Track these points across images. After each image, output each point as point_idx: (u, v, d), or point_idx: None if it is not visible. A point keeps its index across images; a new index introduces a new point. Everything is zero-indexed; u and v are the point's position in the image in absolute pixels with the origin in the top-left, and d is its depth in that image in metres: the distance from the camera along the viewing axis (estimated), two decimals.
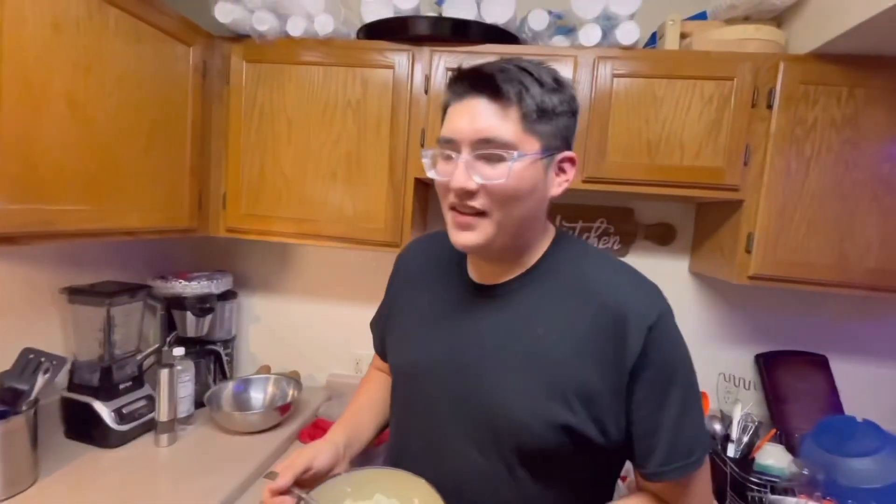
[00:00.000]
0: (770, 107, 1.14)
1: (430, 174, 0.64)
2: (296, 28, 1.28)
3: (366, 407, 0.83)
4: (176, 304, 1.42)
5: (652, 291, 0.64)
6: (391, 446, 0.78)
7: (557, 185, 0.64)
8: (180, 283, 1.40)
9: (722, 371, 1.49)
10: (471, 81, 0.60)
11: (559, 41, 1.27)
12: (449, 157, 0.61)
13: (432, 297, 0.73)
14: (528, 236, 0.66)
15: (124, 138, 1.08)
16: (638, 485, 0.67)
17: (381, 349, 0.86)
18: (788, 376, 1.44)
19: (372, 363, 0.94)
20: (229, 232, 1.38)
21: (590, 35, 1.19)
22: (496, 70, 0.59)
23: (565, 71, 1.18)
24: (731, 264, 1.22)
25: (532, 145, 0.59)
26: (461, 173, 0.59)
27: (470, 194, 0.59)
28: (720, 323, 1.51)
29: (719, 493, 1.17)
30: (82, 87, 0.97)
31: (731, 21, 1.25)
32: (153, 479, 1.07)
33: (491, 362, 0.63)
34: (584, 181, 1.21)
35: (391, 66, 1.26)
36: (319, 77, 1.29)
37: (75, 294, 1.18)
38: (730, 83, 1.14)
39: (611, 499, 0.68)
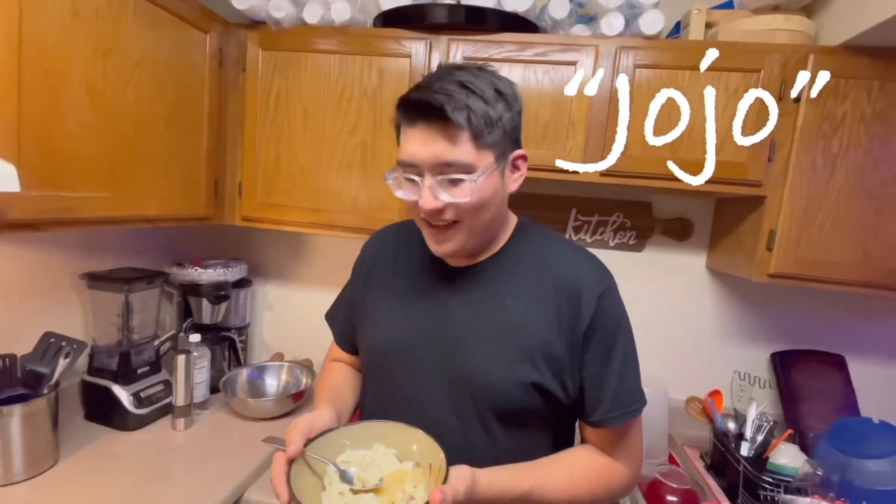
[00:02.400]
0: (798, 100, 1.11)
1: (399, 195, 0.70)
2: (312, 15, 1.27)
3: (342, 387, 0.84)
4: (192, 290, 1.43)
5: (601, 267, 0.74)
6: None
7: (514, 182, 0.72)
8: (196, 270, 1.41)
9: (737, 369, 1.47)
10: (421, 110, 0.64)
11: (580, 30, 1.24)
12: (412, 180, 0.67)
13: (406, 281, 0.79)
14: (495, 230, 0.75)
15: (142, 126, 1.09)
16: (583, 437, 0.77)
17: (345, 339, 0.90)
18: (804, 376, 1.42)
19: (328, 356, 0.95)
20: (245, 221, 1.38)
21: (612, 24, 1.16)
22: (444, 97, 0.61)
23: (587, 62, 1.16)
24: (750, 262, 1.20)
25: (486, 159, 0.65)
26: (428, 196, 0.65)
27: (439, 211, 0.66)
28: (736, 320, 1.49)
29: (731, 490, 1.17)
30: (101, 73, 0.97)
31: (759, 10, 1.21)
32: (170, 461, 1.09)
33: (466, 334, 0.71)
34: (603, 174, 1.19)
35: (408, 55, 1.24)
36: (335, 65, 1.28)
37: (94, 280, 1.20)
38: (756, 75, 1.11)
39: (571, 445, 0.78)
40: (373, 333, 0.80)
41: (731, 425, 1.28)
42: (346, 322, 0.88)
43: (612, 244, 1.51)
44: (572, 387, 0.70)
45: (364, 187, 1.30)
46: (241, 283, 1.57)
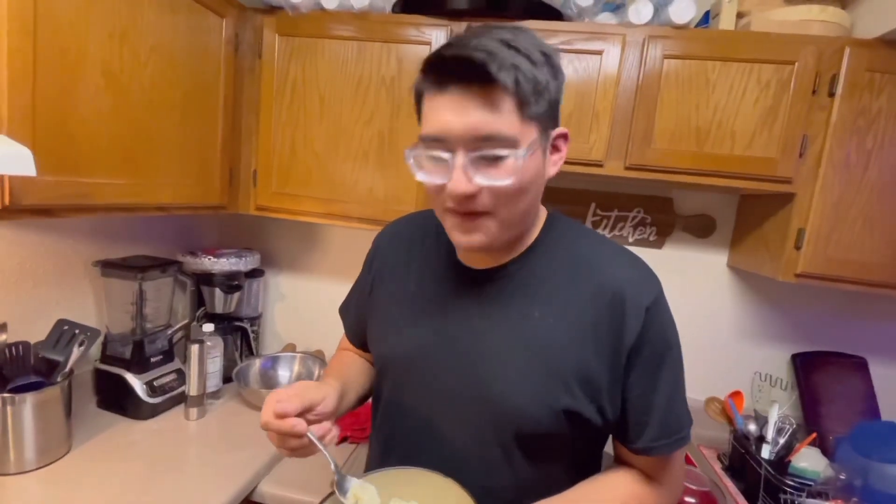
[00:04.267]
0: (832, 94, 1.07)
1: (419, 177, 0.58)
2: (330, 0, 1.24)
3: (352, 370, 0.80)
4: (205, 280, 1.42)
5: (647, 272, 0.63)
6: (380, 434, 0.75)
7: (553, 165, 0.62)
8: (209, 259, 1.40)
9: (757, 370, 1.45)
10: (457, 70, 0.51)
11: (606, 18, 1.20)
12: (438, 158, 0.56)
13: (420, 282, 0.70)
14: (529, 222, 0.64)
15: (158, 111, 1.06)
16: (618, 458, 0.68)
17: (356, 335, 0.83)
18: (825, 378, 1.39)
19: (339, 346, 0.90)
20: (259, 210, 1.36)
21: (641, 12, 1.12)
22: (485, 55, 0.50)
23: (613, 51, 1.12)
24: (776, 260, 1.17)
25: (531, 133, 0.55)
26: (460, 177, 0.54)
27: (471, 197, 0.55)
28: (757, 320, 1.46)
29: (750, 494, 1.15)
30: (117, 57, 0.95)
31: (792, 0, 1.17)
32: (184, 451, 1.08)
33: (488, 349, 0.62)
34: (627, 168, 1.15)
35: (427, 43, 1.21)
36: (353, 52, 1.25)
37: (108, 267, 1.19)
38: (790, 68, 1.07)
39: (598, 471, 0.69)
40: (382, 341, 0.73)
41: (752, 427, 1.25)
42: (357, 319, 0.82)
43: (631, 240, 1.48)
44: (611, 411, 0.61)
45: (380, 178, 1.27)
46: (254, 274, 1.56)
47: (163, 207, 1.13)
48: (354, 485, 0.58)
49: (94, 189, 0.93)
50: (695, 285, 1.48)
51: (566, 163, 1.14)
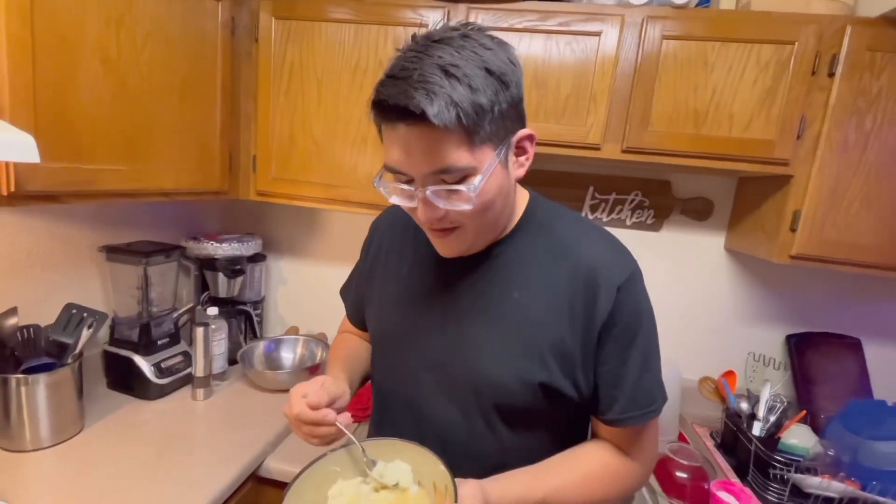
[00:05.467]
0: (832, 75, 1.06)
1: (393, 201, 0.61)
2: None
3: (353, 357, 0.85)
4: (208, 264, 1.44)
5: (623, 253, 0.66)
6: (376, 406, 0.81)
7: (520, 167, 0.63)
8: (212, 244, 1.42)
9: (751, 350, 1.47)
10: (398, 112, 0.52)
11: None
12: (404, 188, 0.59)
13: (411, 266, 0.74)
14: (505, 220, 0.67)
15: (156, 97, 1.07)
16: (594, 433, 0.73)
17: (355, 315, 0.89)
18: (819, 358, 1.41)
19: (340, 328, 0.96)
20: (260, 196, 1.38)
21: None
22: (423, 99, 0.50)
23: (611, 32, 1.11)
24: (772, 242, 1.18)
25: (486, 156, 0.56)
26: (424, 208, 0.58)
27: (440, 219, 0.60)
28: (753, 301, 1.48)
29: (741, 470, 1.18)
30: (114, 42, 0.95)
31: None
32: (192, 430, 1.12)
33: (470, 326, 0.66)
34: (624, 151, 1.16)
35: (425, 25, 1.20)
36: (350, 35, 1.24)
37: (113, 252, 1.21)
38: (790, 48, 1.06)
39: (583, 440, 0.74)
40: (377, 320, 0.78)
41: (744, 405, 1.28)
42: (357, 300, 0.87)
43: (629, 223, 1.49)
44: (585, 385, 0.65)
45: (379, 162, 1.28)
46: (256, 258, 1.58)
47: (165, 193, 1.15)
48: (379, 465, 0.64)
49: (97, 175, 0.95)
50: (692, 268, 1.49)
51: (566, 146, 1.17)
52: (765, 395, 1.24)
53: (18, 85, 0.79)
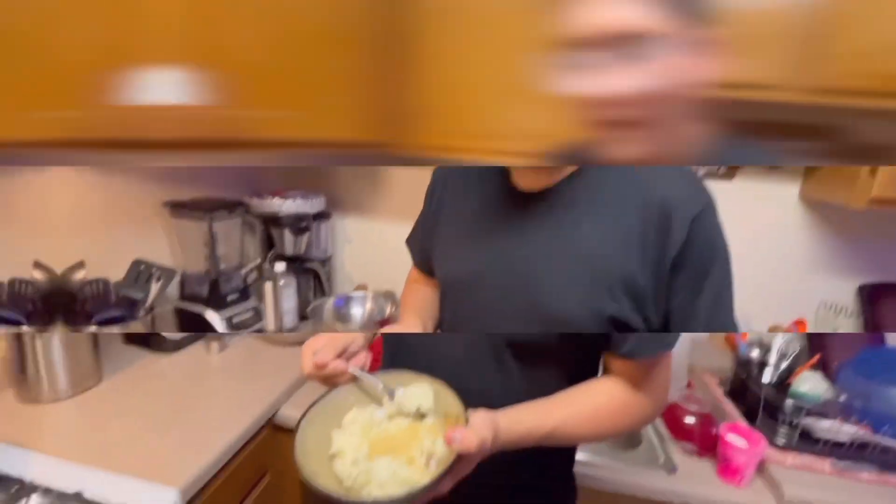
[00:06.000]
0: None
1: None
2: None
3: (424, 304, 0.84)
4: (273, 222, 1.40)
5: (697, 184, 0.63)
6: None
7: None
8: (276, 200, 1.37)
9: (823, 299, 1.34)
10: None
11: None
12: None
13: (478, 208, 0.73)
14: None
15: (317, 42, 0.98)
16: (606, 367, 0.70)
17: (423, 263, 0.87)
18: (892, 308, 1.26)
19: (408, 278, 0.93)
20: (425, 150, 1.25)
21: None
22: None
23: None
24: (850, 187, 1.03)
25: None
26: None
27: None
28: (826, 251, 1.34)
29: (750, 416, 1.10)
30: None
31: None
32: (209, 382, 1.09)
33: (538, 264, 0.65)
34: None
35: None
36: None
37: (177, 208, 1.19)
38: None
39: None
40: (444, 264, 0.77)
41: (755, 353, 1.22)
42: (424, 246, 0.85)
43: (701, 172, 1.31)
44: (656, 320, 0.63)
45: (537, 111, 1.11)
46: (321, 216, 1.52)
47: (323, 144, 1.04)
48: (399, 392, 0.63)
49: (251, 123, 0.89)
50: (765, 217, 1.34)
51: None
52: (776, 344, 1.18)
53: (169, 22, 0.76)
